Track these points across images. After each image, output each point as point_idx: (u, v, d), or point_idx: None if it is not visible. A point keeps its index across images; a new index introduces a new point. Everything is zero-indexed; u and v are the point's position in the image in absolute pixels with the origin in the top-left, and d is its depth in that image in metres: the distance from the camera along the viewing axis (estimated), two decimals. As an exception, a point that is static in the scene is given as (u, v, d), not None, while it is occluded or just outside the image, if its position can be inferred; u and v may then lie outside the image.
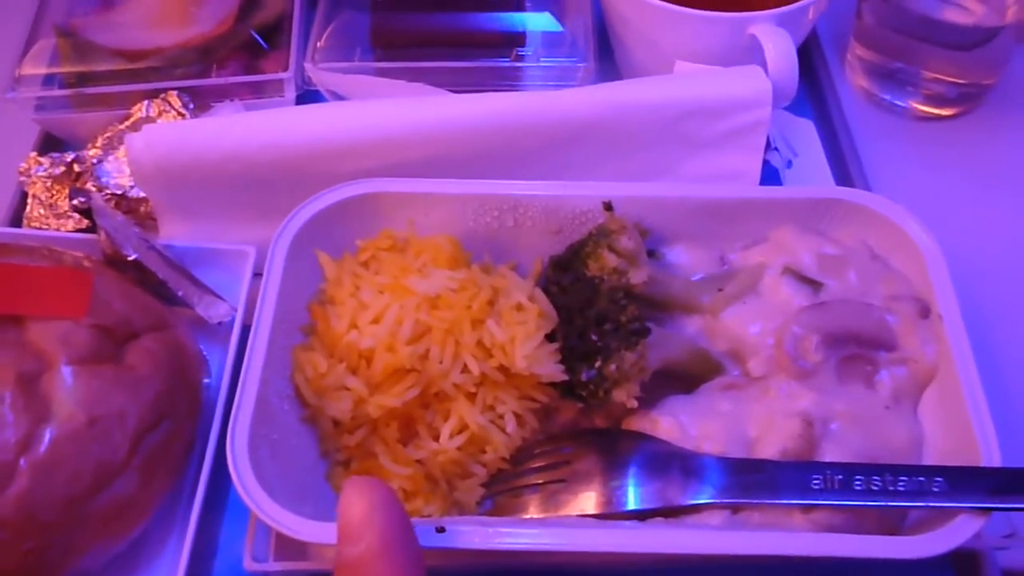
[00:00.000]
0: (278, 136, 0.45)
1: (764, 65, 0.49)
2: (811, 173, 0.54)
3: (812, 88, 0.59)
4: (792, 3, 0.49)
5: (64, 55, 0.53)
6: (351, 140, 0.45)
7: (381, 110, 0.46)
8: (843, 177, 0.54)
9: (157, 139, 0.44)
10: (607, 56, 0.56)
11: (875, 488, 0.36)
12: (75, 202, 0.44)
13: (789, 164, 0.54)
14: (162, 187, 0.46)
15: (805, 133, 0.56)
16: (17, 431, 0.35)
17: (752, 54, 0.49)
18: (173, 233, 0.48)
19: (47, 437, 0.35)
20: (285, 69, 0.53)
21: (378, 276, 0.42)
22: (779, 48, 0.48)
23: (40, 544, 0.35)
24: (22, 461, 0.34)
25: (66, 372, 0.37)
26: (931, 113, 0.57)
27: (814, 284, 0.43)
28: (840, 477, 0.36)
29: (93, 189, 0.49)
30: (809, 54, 0.60)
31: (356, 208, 0.45)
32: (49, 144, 0.55)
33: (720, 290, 0.43)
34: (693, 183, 0.48)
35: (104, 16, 0.56)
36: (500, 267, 0.44)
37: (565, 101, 0.46)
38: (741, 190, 0.46)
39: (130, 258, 0.43)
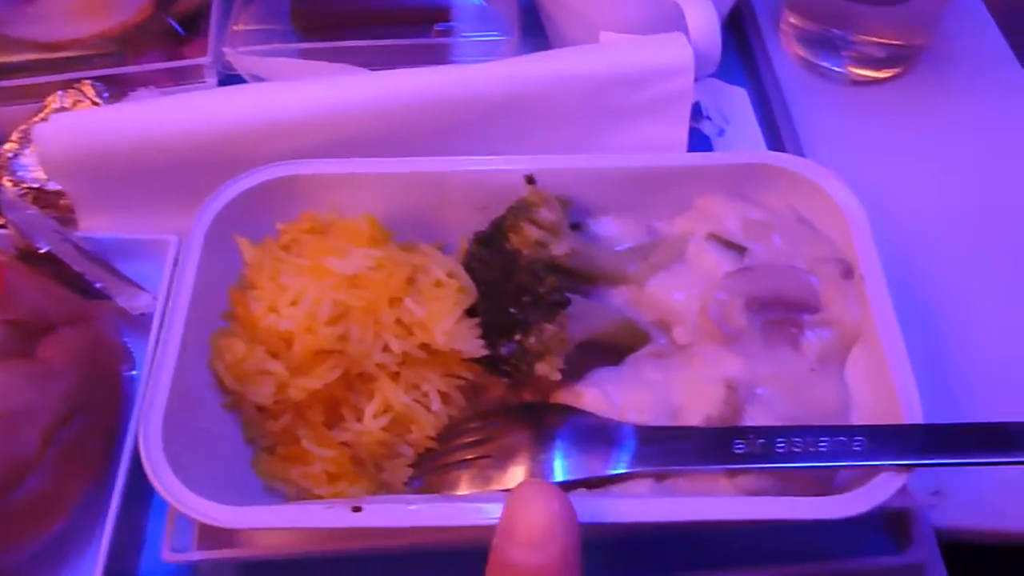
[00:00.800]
0: (194, 120, 0.44)
1: (688, 32, 0.48)
2: (743, 141, 0.53)
3: (746, 57, 0.59)
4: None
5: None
6: (270, 121, 0.44)
7: (300, 91, 0.45)
8: (776, 145, 0.54)
9: (66, 128, 0.43)
10: (537, 31, 0.55)
11: (796, 450, 0.36)
12: (-13, 197, 0.43)
13: (721, 132, 0.54)
14: (76, 178, 0.45)
15: (738, 101, 0.55)
16: (-79, 428, 0.34)
17: (678, 23, 0.49)
18: (93, 225, 0.47)
19: (-48, 433, 0.34)
20: (204, 54, 0.52)
21: (298, 259, 0.41)
22: (701, 13, 0.47)
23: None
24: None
25: (-27, 368, 0.36)
26: (864, 76, 0.57)
27: (739, 249, 0.42)
28: (762, 441, 0.36)
29: (8, 184, 0.48)
30: (742, 23, 0.60)
31: (276, 191, 0.44)
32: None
33: (646, 259, 0.43)
34: (617, 154, 0.48)
35: (22, 9, 0.55)
36: (422, 245, 0.43)
37: (487, 74, 0.45)
38: (667, 158, 0.45)
39: (42, 251, 0.42)
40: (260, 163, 0.44)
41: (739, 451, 0.36)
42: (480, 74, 0.45)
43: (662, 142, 0.48)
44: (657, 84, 0.47)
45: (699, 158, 0.46)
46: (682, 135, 0.48)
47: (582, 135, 0.48)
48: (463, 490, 0.39)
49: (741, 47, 0.59)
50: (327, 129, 0.45)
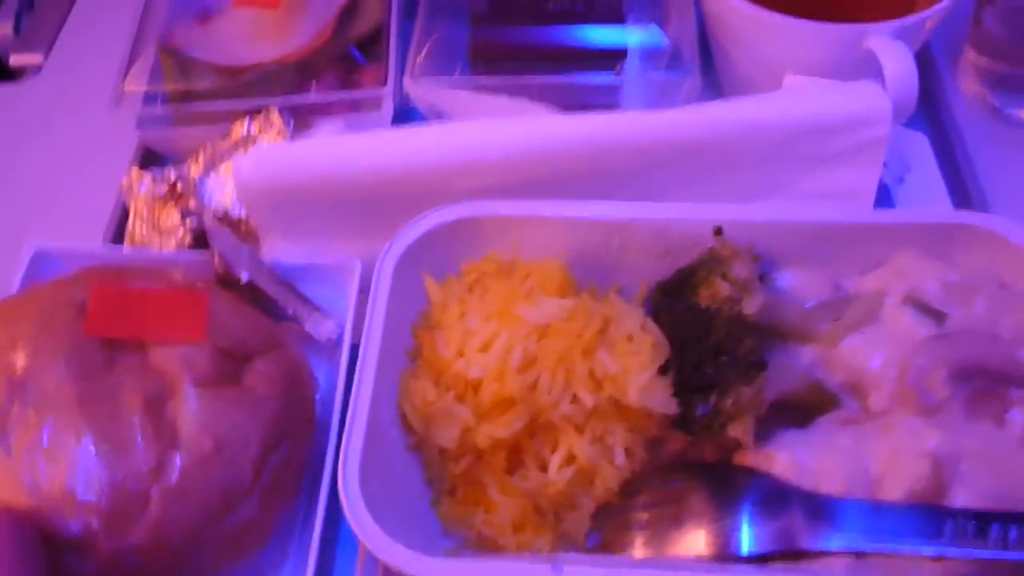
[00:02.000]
0: (383, 158, 0.44)
1: (880, 78, 0.47)
2: (924, 190, 0.51)
3: (923, 97, 0.56)
4: (909, 13, 0.47)
5: (167, 71, 0.54)
6: (455, 162, 0.45)
7: (485, 131, 0.45)
8: (959, 192, 0.52)
9: (264, 162, 0.44)
10: (708, 68, 0.54)
11: (1013, 538, 0.34)
12: (187, 224, 0.45)
13: (901, 180, 0.52)
14: (268, 208, 0.46)
15: (917, 146, 0.53)
16: (148, 458, 0.35)
17: (867, 67, 0.47)
18: (276, 250, 0.48)
19: (177, 464, 0.35)
20: (382, 82, 0.53)
21: (485, 302, 0.41)
22: (899, 62, 0.46)
23: (169, 569, 0.35)
24: (154, 489, 0.35)
25: (190, 396, 0.37)
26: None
27: (938, 315, 0.41)
28: (974, 525, 0.35)
29: (194, 208, 0.49)
30: (920, 62, 0.57)
31: (460, 229, 0.44)
32: (148, 157, 0.56)
33: (837, 319, 0.42)
34: (807, 205, 0.46)
35: (202, 29, 0.56)
36: (609, 293, 0.43)
37: (674, 121, 0.44)
38: (858, 213, 0.44)
39: (243, 279, 0.43)
40: (441, 201, 0.44)
41: (948, 534, 0.35)
42: (668, 121, 0.44)
43: (848, 191, 0.47)
44: (851, 134, 0.45)
45: (893, 215, 0.44)
46: (871, 184, 0.46)
47: (764, 181, 0.47)
48: (641, 550, 0.39)
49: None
50: (511, 170, 0.45)
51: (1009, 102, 0.55)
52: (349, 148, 0.45)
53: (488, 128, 0.45)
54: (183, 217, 0.46)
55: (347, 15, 0.56)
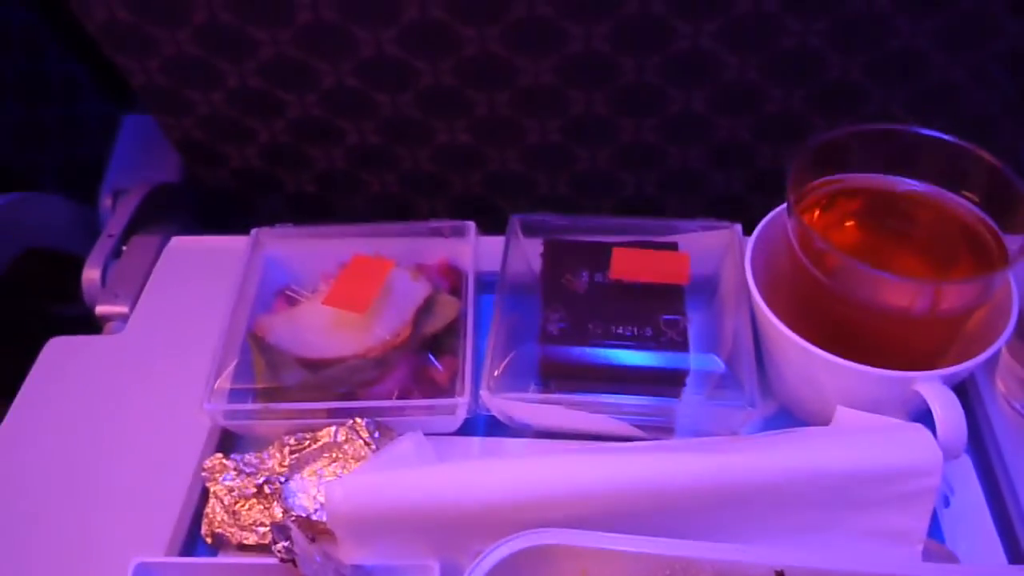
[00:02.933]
0: (465, 491, 0.48)
1: (926, 414, 0.50)
2: (969, 513, 0.54)
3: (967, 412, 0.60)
4: (958, 364, 0.50)
5: (256, 366, 0.58)
6: (530, 495, 0.48)
7: (555, 467, 0.48)
8: (1001, 517, 0.54)
9: (353, 492, 0.48)
10: (764, 385, 0.58)
11: None
12: (279, 547, 0.47)
13: (947, 502, 0.55)
14: (353, 529, 0.49)
15: (961, 467, 0.56)
16: None
17: (913, 403, 0.51)
18: (352, 554, 0.50)
19: None
20: (455, 383, 0.56)
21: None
22: (947, 410, 0.49)
23: None
24: None
25: None
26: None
27: None
28: None
29: (279, 512, 0.52)
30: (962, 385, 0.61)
31: (532, 556, 0.47)
32: (228, 439, 0.59)
33: None
34: (862, 557, 0.49)
35: (287, 320, 0.60)
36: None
37: (733, 465, 0.48)
38: (913, 567, 0.47)
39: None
40: (512, 529, 0.47)
41: None
42: (727, 464, 0.48)
43: (901, 531, 0.49)
44: (904, 482, 0.48)
45: (946, 572, 0.47)
46: (923, 526, 0.49)
47: (819, 521, 0.49)
48: None
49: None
50: (578, 505, 0.48)
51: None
52: (434, 480, 0.48)
53: (558, 464, 0.49)
54: (273, 541, 0.48)
55: (424, 311, 0.60)
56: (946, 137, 0.53)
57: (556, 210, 0.67)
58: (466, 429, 0.58)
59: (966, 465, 0.56)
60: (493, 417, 0.56)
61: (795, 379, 0.56)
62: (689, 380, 0.55)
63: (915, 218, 0.55)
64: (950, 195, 0.54)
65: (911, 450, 0.49)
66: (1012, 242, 0.52)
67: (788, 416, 0.59)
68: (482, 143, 0.76)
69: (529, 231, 0.63)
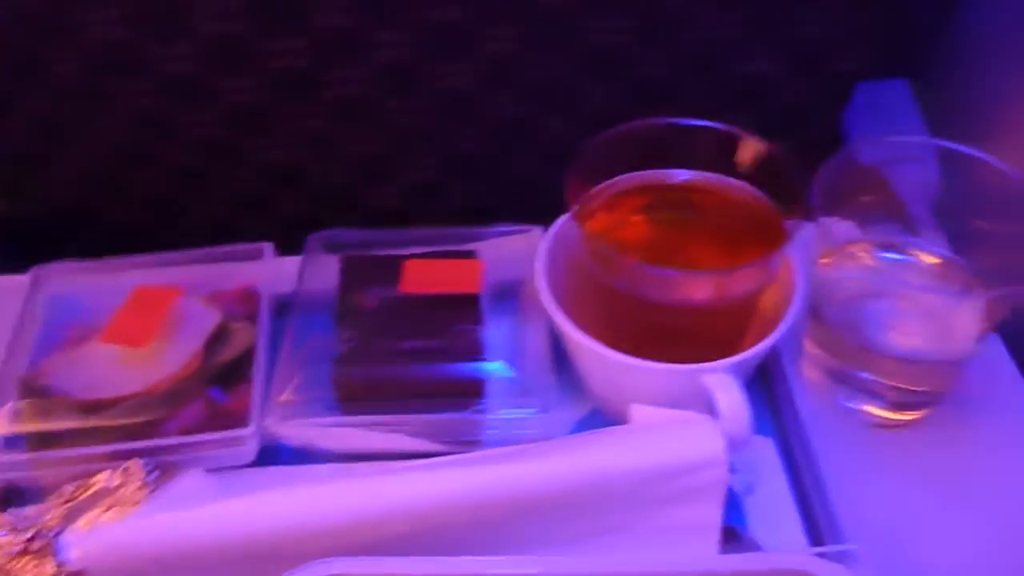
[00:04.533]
0: (236, 525, 0.45)
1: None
2: (772, 499, 0.54)
3: (768, 398, 0.60)
4: (739, 353, 0.51)
5: (27, 411, 0.54)
6: (310, 525, 0.46)
7: (346, 493, 0.46)
8: (804, 502, 0.54)
9: (110, 541, 0.45)
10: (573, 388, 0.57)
11: None
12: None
13: (750, 489, 0.55)
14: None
15: (765, 453, 0.56)
16: None
17: (708, 397, 0.51)
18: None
19: None
20: (247, 407, 0.53)
21: None
22: (731, 401, 0.49)
23: None
24: None
25: None
26: (892, 419, 0.58)
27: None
28: None
29: (51, 569, 0.48)
30: (765, 365, 0.61)
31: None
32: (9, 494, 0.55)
33: None
34: (658, 556, 0.48)
35: (68, 361, 0.57)
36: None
37: (523, 474, 0.47)
38: (697, 560, 0.46)
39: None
40: (302, 560, 0.44)
41: None
42: (516, 471, 0.47)
43: (694, 525, 0.49)
44: (692, 476, 0.48)
45: (738, 561, 0.46)
46: (715, 519, 0.49)
47: (617, 521, 0.49)
48: None
49: (764, 389, 0.61)
50: (366, 531, 0.46)
51: (845, 396, 0.59)
52: (198, 520, 0.45)
53: (349, 490, 0.47)
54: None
55: (217, 340, 0.57)
56: (716, 125, 0.54)
57: (387, 223, 0.65)
58: (271, 459, 0.55)
59: (769, 450, 0.56)
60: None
61: (594, 380, 0.55)
62: (489, 390, 0.53)
63: (699, 206, 0.56)
64: (730, 179, 0.55)
65: (696, 443, 0.48)
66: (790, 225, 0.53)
67: (601, 417, 0.58)
68: (301, 161, 0.73)
69: (331, 248, 0.61)
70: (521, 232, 0.61)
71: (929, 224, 0.61)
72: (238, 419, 0.54)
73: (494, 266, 0.60)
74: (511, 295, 0.60)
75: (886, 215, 0.61)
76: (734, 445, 0.49)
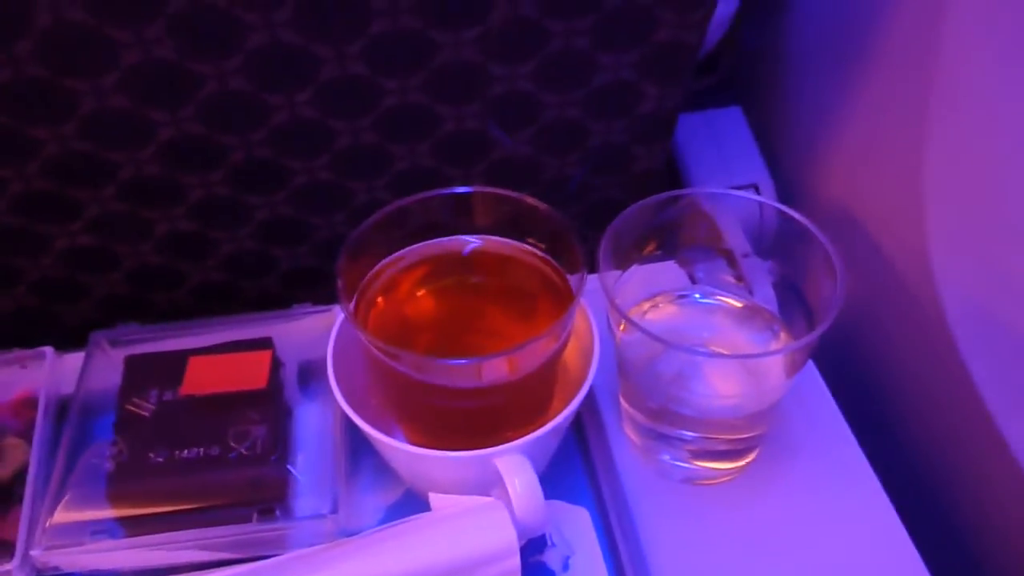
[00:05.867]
0: None
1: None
2: (589, 570, 0.52)
3: (586, 462, 0.58)
4: (529, 432, 0.48)
5: None
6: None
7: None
8: (621, 570, 0.53)
9: None
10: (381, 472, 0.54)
11: None
12: None
13: (566, 564, 0.53)
14: None
15: (582, 523, 0.54)
16: None
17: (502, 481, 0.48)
18: None
19: None
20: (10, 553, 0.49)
21: None
22: (522, 483, 0.47)
23: None
24: None
25: None
26: (713, 470, 0.57)
27: None
28: None
29: None
30: (583, 427, 0.60)
31: None
32: None
33: None
34: None
35: None
36: None
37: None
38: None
39: None
40: None
41: None
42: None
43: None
44: (484, 568, 0.45)
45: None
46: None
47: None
48: None
49: (582, 451, 0.59)
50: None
51: (667, 453, 0.57)
52: None
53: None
54: None
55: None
56: (494, 191, 0.52)
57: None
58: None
59: (584, 519, 0.55)
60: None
61: (395, 466, 0.53)
62: (279, 491, 0.50)
63: (481, 270, 0.54)
64: (510, 242, 0.53)
65: (487, 534, 0.46)
66: (574, 281, 0.51)
67: (414, 498, 0.56)
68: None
69: (117, 345, 0.57)
70: (320, 312, 0.58)
71: (754, 262, 0.60)
72: (8, 550, 0.50)
73: (295, 350, 0.57)
74: (317, 377, 0.58)
75: (711, 253, 0.61)
76: (528, 530, 0.47)
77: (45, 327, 0.74)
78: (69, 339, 0.64)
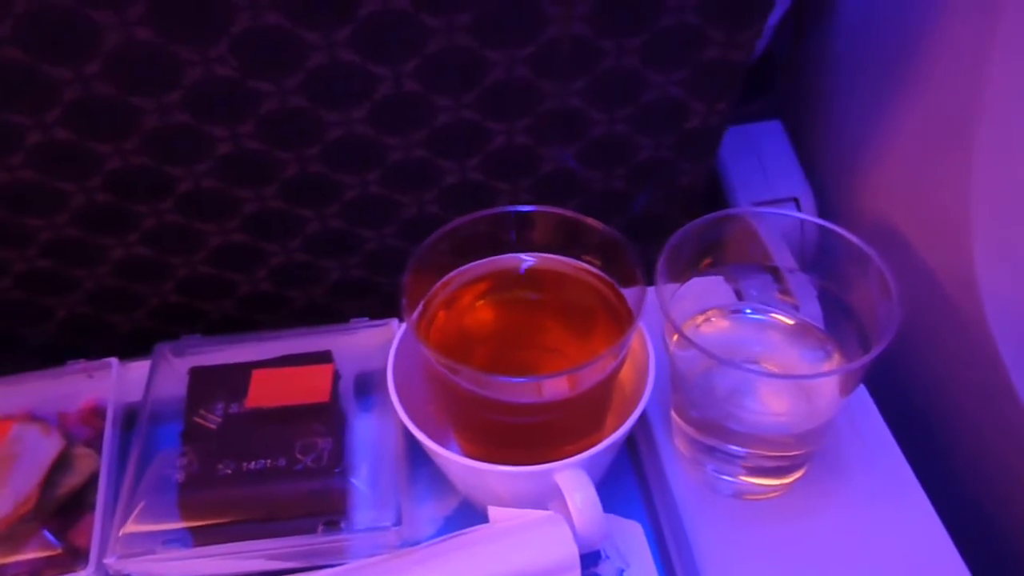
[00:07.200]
0: None
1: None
2: (642, 585, 0.54)
3: (639, 474, 0.59)
4: (586, 447, 0.49)
5: None
6: None
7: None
8: (674, 582, 0.54)
9: None
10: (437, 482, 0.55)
11: None
12: None
13: (620, 574, 0.54)
14: None
15: (635, 537, 0.55)
16: None
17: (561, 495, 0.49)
18: None
19: None
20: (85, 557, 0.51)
21: None
22: (582, 498, 0.48)
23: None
24: None
25: None
26: (763, 486, 0.58)
27: None
28: None
29: None
30: (634, 439, 0.60)
31: None
32: None
33: None
34: None
35: None
36: None
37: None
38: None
39: None
40: None
41: None
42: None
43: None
44: (545, 579, 0.47)
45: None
46: (576, 624, 0.48)
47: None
48: None
49: (634, 465, 0.60)
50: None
51: (718, 469, 0.58)
52: None
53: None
54: None
55: (59, 470, 0.54)
56: (552, 210, 0.53)
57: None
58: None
59: (638, 533, 0.56)
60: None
61: (453, 478, 0.54)
62: (342, 504, 0.52)
63: (541, 286, 0.55)
64: (569, 260, 0.54)
65: (550, 548, 0.47)
66: (630, 296, 0.52)
67: (471, 509, 0.57)
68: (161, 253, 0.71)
69: (180, 355, 0.59)
70: (380, 325, 0.59)
71: (800, 278, 0.60)
72: (81, 557, 0.51)
73: (350, 362, 0.58)
74: (373, 389, 0.59)
75: (757, 269, 0.61)
76: (587, 543, 0.48)
77: (98, 336, 0.76)
78: (121, 348, 0.66)
